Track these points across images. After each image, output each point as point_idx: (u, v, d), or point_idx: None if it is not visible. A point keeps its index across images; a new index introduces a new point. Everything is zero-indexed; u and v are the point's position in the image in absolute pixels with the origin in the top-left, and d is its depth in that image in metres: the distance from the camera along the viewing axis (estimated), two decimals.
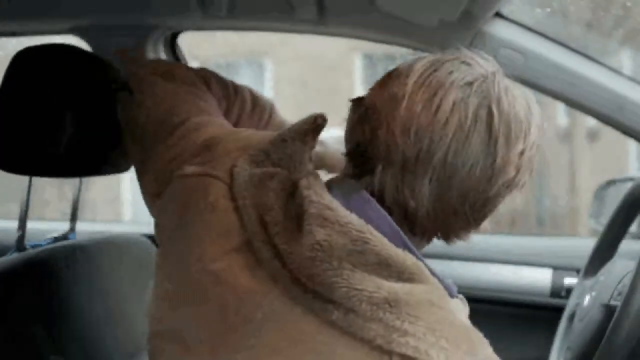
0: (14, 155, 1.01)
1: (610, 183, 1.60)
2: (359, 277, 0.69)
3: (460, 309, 0.78)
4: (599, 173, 5.62)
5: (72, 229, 1.24)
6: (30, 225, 1.14)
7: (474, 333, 0.72)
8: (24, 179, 1.12)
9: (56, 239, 1.19)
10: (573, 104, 1.30)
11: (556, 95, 1.30)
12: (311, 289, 0.70)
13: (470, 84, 0.74)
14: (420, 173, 0.72)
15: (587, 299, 1.14)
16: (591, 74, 1.27)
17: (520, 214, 6.07)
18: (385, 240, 0.71)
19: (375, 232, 0.71)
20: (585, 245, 1.41)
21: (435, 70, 0.75)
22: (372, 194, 0.75)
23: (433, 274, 0.74)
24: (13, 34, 1.58)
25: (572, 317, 1.22)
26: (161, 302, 0.79)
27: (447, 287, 0.76)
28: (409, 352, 0.67)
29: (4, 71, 1.02)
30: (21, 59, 1.02)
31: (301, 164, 0.78)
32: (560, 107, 6.18)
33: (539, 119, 0.78)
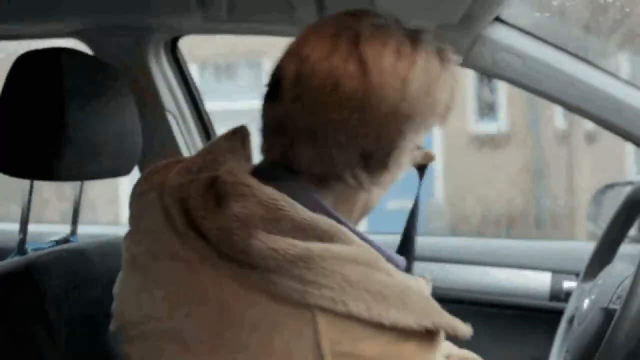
0: (15, 158, 1.02)
1: (609, 187, 1.60)
2: (273, 238, 0.71)
3: (417, 284, 0.79)
4: (597, 174, 5.64)
5: (74, 232, 1.24)
6: (32, 228, 1.15)
7: (412, 291, 0.73)
8: (25, 180, 1.12)
9: (57, 242, 1.19)
10: (571, 107, 1.31)
11: (554, 99, 1.31)
12: (234, 259, 0.72)
13: (344, 28, 0.77)
14: (297, 117, 0.76)
15: (586, 303, 1.15)
16: (589, 78, 1.27)
17: (520, 214, 6.08)
18: (299, 206, 0.74)
19: (290, 200, 0.74)
20: (584, 248, 1.42)
21: (315, 26, 0.79)
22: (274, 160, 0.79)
23: (365, 240, 0.76)
24: (14, 37, 1.59)
25: (571, 321, 1.22)
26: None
27: (388, 257, 0.77)
28: (325, 304, 0.69)
29: (5, 74, 1.02)
30: (22, 63, 1.02)
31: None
32: (558, 110, 6.19)
33: (431, 53, 0.79)
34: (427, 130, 0.81)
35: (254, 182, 0.76)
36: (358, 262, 0.72)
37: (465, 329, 0.74)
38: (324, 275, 0.70)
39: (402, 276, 0.77)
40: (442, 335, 0.76)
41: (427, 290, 0.82)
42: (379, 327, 0.70)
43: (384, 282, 0.72)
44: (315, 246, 0.71)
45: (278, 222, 0.73)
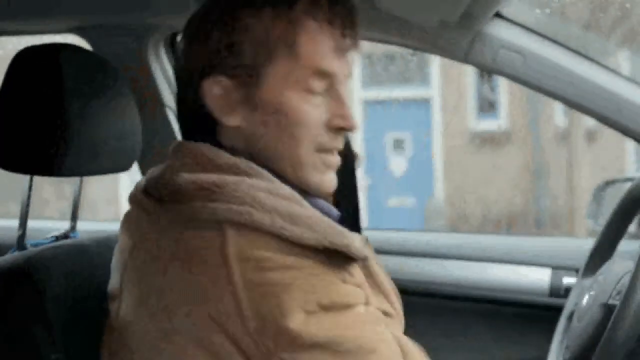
0: (15, 154, 1.02)
1: (609, 183, 1.60)
2: (196, 175, 0.80)
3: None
4: (597, 173, 5.64)
5: (74, 228, 1.24)
6: (31, 224, 1.15)
7: (321, 219, 0.78)
8: (24, 178, 1.12)
9: (57, 238, 1.19)
10: (572, 104, 1.30)
11: (555, 96, 1.30)
12: (168, 201, 0.81)
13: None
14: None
15: (586, 299, 1.15)
16: (590, 75, 1.27)
17: (520, 214, 6.09)
18: (222, 153, 0.83)
19: (214, 148, 0.84)
20: (584, 245, 1.42)
21: None
22: None
23: (286, 181, 0.83)
24: (13, 33, 1.59)
25: (570, 317, 1.22)
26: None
27: (313, 202, 0.83)
28: (232, 216, 0.76)
29: (5, 70, 1.02)
30: (22, 58, 1.02)
31: None
32: (558, 108, 6.19)
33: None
34: (264, 64, 0.84)
35: (189, 143, 0.86)
36: (271, 193, 0.79)
37: (361, 251, 0.78)
38: (234, 197, 0.77)
39: (324, 218, 0.80)
40: (355, 267, 0.80)
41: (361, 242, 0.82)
42: (281, 240, 0.75)
43: (294, 208, 0.78)
44: (231, 177, 0.80)
45: (201, 166, 0.82)
